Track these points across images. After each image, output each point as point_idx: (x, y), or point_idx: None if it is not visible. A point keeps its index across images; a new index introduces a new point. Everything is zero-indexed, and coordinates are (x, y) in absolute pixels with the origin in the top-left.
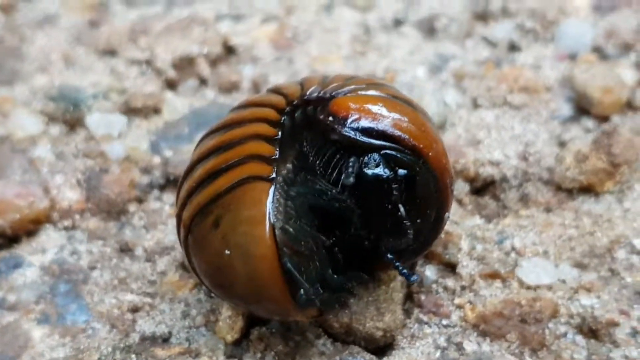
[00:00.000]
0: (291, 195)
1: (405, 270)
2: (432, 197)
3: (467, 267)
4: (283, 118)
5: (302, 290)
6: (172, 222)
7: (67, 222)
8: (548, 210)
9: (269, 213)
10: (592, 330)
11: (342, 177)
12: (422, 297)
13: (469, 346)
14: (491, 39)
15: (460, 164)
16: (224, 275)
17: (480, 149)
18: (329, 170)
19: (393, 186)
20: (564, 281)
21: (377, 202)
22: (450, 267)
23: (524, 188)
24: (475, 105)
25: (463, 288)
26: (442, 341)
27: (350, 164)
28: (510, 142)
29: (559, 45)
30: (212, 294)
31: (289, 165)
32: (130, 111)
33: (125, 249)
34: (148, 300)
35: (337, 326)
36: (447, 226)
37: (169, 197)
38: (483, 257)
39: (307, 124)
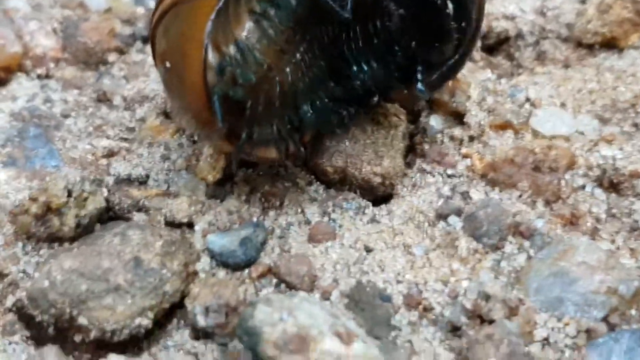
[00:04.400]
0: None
1: (422, 84)
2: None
3: (476, 116)
4: None
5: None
6: (155, 73)
7: (40, 71)
8: (567, 66)
9: (210, 24)
10: (612, 183)
11: None
12: (426, 146)
13: (476, 195)
14: None
15: None
16: (170, 89)
17: (494, 2)
18: None
19: None
20: (582, 133)
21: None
22: (458, 117)
23: (541, 45)
24: None
25: (471, 138)
26: (446, 190)
27: None
28: None
29: None
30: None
31: None
32: None
33: (103, 99)
34: (125, 145)
35: (330, 171)
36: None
37: None
38: (494, 109)
39: None
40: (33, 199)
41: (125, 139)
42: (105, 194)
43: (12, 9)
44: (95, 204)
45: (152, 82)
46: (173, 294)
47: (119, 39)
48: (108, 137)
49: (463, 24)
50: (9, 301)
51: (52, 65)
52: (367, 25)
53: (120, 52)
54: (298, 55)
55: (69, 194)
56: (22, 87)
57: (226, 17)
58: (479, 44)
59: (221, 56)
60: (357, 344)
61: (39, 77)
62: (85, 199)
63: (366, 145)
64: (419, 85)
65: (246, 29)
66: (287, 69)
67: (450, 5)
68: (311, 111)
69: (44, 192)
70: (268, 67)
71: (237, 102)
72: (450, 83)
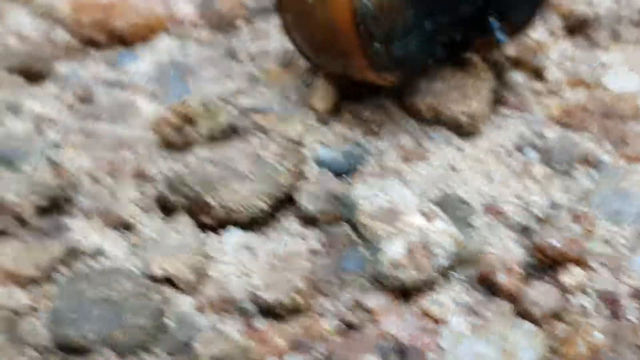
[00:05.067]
0: None
1: (499, 31)
2: None
3: (554, 74)
4: None
5: (375, 43)
6: (276, 36)
7: (180, 31)
8: (638, 43)
9: None
10: None
11: None
12: (508, 96)
13: (551, 134)
14: None
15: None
16: (307, 22)
17: None
18: None
19: None
20: None
21: None
22: (538, 74)
23: (616, 28)
24: None
25: (550, 92)
26: (524, 130)
27: None
28: None
29: None
30: (307, 58)
31: None
32: None
33: (232, 55)
34: (249, 86)
35: (423, 108)
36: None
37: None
38: (571, 70)
39: None
40: (173, 110)
41: (250, 83)
42: (235, 112)
43: None
44: (226, 117)
45: (274, 42)
46: (285, 185)
47: (246, 9)
48: (235, 82)
49: None
50: (149, 191)
51: (190, 27)
52: None
53: (248, 20)
54: None
55: (204, 107)
56: (164, 43)
57: None
58: (559, 22)
59: None
60: (439, 222)
61: (179, 36)
62: (218, 113)
63: (456, 89)
64: (498, 32)
65: None
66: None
67: None
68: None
69: (182, 105)
70: None
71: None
72: (531, 43)
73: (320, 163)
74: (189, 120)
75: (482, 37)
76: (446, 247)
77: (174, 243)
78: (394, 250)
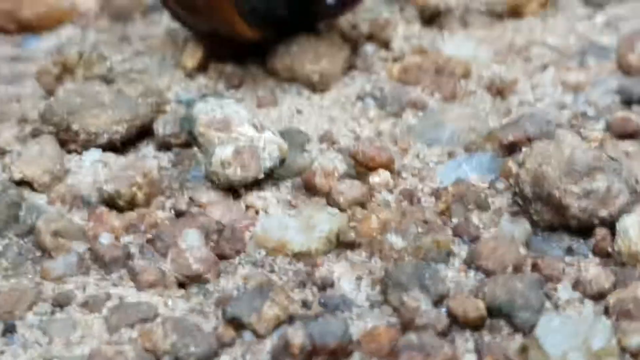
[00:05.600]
0: None
1: None
2: None
3: (400, 45)
4: None
5: None
6: (168, 23)
7: (83, 22)
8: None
9: None
10: (497, 90)
11: None
12: (359, 63)
13: (388, 87)
14: None
15: None
16: None
17: None
18: None
19: None
20: (478, 57)
21: None
22: (386, 45)
23: (465, 18)
24: None
25: (394, 59)
26: (368, 87)
27: None
28: None
29: None
30: (180, 20)
31: None
32: None
33: (125, 39)
34: (133, 56)
35: (280, 68)
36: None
37: None
38: (416, 43)
39: None
40: (54, 61)
41: (134, 55)
42: (110, 63)
43: None
44: (100, 69)
45: (163, 27)
46: (144, 115)
47: (143, 3)
48: (122, 55)
49: None
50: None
51: (92, 19)
52: None
53: (144, 13)
54: None
55: (81, 58)
56: (67, 31)
57: None
58: (416, 14)
59: None
60: (268, 133)
61: (81, 26)
62: (93, 64)
63: (311, 52)
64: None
65: None
66: None
67: None
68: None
69: (61, 56)
70: None
71: None
72: (383, 22)
73: (179, 102)
74: (68, 69)
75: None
76: (272, 153)
77: (36, 156)
78: (224, 152)
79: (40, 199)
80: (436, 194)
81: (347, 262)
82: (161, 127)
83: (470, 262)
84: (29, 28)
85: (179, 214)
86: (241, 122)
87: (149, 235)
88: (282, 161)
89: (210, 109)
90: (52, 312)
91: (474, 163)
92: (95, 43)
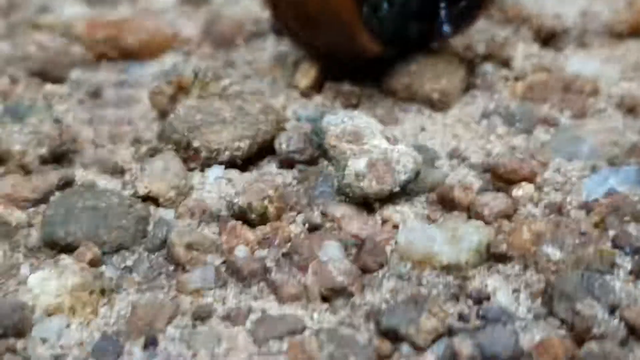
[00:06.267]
0: None
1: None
2: None
3: (521, 64)
4: None
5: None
6: (272, 49)
7: (185, 49)
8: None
9: None
10: (628, 108)
11: None
12: (478, 81)
13: (514, 105)
14: None
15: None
16: None
17: (547, 4)
18: None
19: None
20: (606, 74)
21: None
22: (506, 64)
23: (583, 39)
24: None
25: (516, 78)
26: (491, 105)
27: None
28: None
29: None
30: (296, 36)
31: None
32: None
33: (230, 65)
34: (243, 79)
35: (399, 88)
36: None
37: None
38: (536, 62)
39: None
40: (168, 81)
41: (244, 79)
42: (227, 82)
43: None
44: (216, 88)
45: (268, 53)
46: (266, 131)
47: (246, 31)
48: (230, 79)
49: None
50: (143, 148)
51: (194, 46)
52: None
53: (246, 40)
54: None
55: (196, 77)
56: (170, 58)
57: None
58: (531, 35)
59: None
60: (402, 146)
61: (184, 53)
62: (209, 84)
63: (430, 71)
64: (445, 27)
65: None
66: None
67: None
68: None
69: (176, 76)
70: None
71: None
72: (500, 40)
73: (298, 119)
74: (182, 89)
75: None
76: (407, 165)
77: (161, 172)
78: (358, 164)
79: (167, 214)
80: (586, 207)
81: (500, 275)
82: (284, 144)
83: (639, 273)
84: (132, 55)
85: (313, 228)
86: (373, 134)
87: (284, 250)
88: (417, 174)
89: (340, 121)
90: (194, 326)
91: (621, 176)
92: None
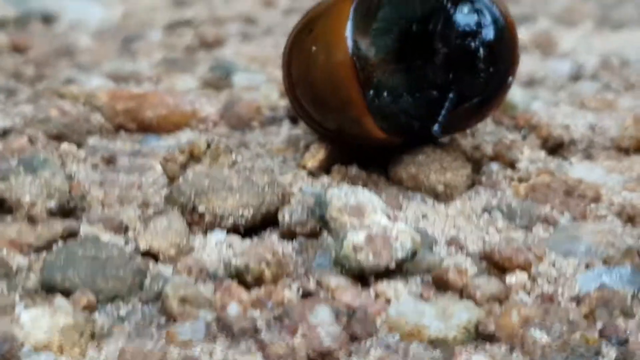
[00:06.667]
0: (379, 16)
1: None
2: (505, 53)
3: (526, 166)
4: None
5: (371, 90)
6: (286, 134)
7: (202, 127)
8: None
9: (351, 11)
10: (629, 217)
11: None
12: (483, 179)
13: (516, 203)
14: None
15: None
16: (309, 71)
17: (556, 116)
18: None
19: (482, 29)
20: (607, 182)
21: (462, 42)
22: (512, 165)
23: (589, 151)
24: None
25: (520, 179)
26: (494, 201)
27: None
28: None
29: None
30: (308, 116)
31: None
32: None
33: (244, 145)
34: (255, 157)
35: (405, 176)
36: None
37: (286, 124)
38: (542, 166)
39: None
40: (181, 149)
41: (256, 157)
42: (233, 157)
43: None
44: (227, 159)
45: (281, 136)
46: (270, 203)
47: (262, 115)
48: (243, 157)
49: (491, 69)
50: (151, 210)
51: (211, 125)
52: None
53: (262, 123)
54: (395, 63)
55: (208, 146)
56: (187, 134)
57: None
58: (538, 143)
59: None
60: (402, 224)
61: (200, 130)
62: (220, 155)
63: (436, 162)
64: (436, 126)
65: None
66: (388, 68)
67: (482, 51)
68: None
69: (189, 144)
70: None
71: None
72: (507, 141)
73: (303, 193)
74: (194, 157)
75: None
76: (405, 244)
77: (163, 230)
78: (357, 237)
79: (166, 270)
80: (577, 299)
81: (486, 354)
82: (287, 215)
83: None
84: (149, 128)
85: (306, 295)
86: (375, 211)
87: (276, 312)
88: (414, 254)
89: (343, 194)
90: None
91: (614, 276)
92: None
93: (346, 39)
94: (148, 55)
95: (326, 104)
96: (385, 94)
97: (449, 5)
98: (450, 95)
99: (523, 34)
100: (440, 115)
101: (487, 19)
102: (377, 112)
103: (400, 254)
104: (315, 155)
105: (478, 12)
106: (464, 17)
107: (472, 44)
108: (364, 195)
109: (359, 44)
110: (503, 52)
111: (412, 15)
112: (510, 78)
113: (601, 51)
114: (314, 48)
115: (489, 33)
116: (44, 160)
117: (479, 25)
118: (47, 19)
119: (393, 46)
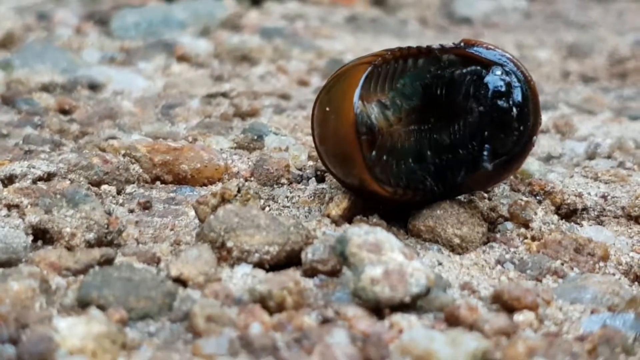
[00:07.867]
0: (398, 79)
1: (485, 158)
2: (531, 114)
3: (539, 226)
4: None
5: (372, 152)
6: (312, 191)
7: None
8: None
9: (362, 79)
10: (637, 276)
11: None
12: (497, 236)
13: (528, 257)
14: None
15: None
16: (324, 128)
17: (569, 185)
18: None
19: (512, 89)
20: (616, 244)
21: (495, 103)
22: (526, 225)
23: (601, 218)
24: None
25: (533, 238)
26: (507, 256)
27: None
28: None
29: None
30: (329, 170)
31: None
32: None
33: (273, 199)
34: (282, 208)
35: (423, 229)
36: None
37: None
38: (554, 227)
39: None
40: (213, 193)
41: (283, 208)
42: (261, 203)
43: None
44: (256, 203)
45: (308, 192)
46: (294, 242)
47: (291, 173)
48: (270, 207)
49: (521, 127)
50: (182, 247)
51: (242, 180)
52: (454, 118)
53: (290, 181)
54: (410, 125)
55: (239, 190)
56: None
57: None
58: (552, 208)
59: (364, 107)
60: (417, 262)
61: None
62: (249, 198)
63: (453, 216)
64: (485, 162)
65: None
66: (402, 130)
67: (515, 110)
68: (406, 171)
69: (221, 188)
70: (390, 124)
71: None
72: (522, 202)
73: (326, 235)
74: (225, 200)
75: (473, 173)
76: (420, 280)
77: (194, 259)
78: (374, 271)
79: (194, 294)
80: (581, 338)
81: None
82: (310, 254)
83: None
84: (184, 180)
85: (325, 321)
86: (392, 248)
87: (296, 335)
88: (428, 290)
89: (363, 232)
90: None
91: (617, 321)
92: None
93: (354, 104)
94: (186, 120)
95: (337, 161)
96: (389, 157)
97: (479, 68)
98: (485, 152)
99: (544, 119)
100: (483, 157)
101: (515, 81)
102: (380, 172)
103: (415, 289)
104: (340, 205)
105: (508, 74)
106: (497, 78)
107: (506, 104)
108: (382, 234)
109: (367, 108)
110: (529, 111)
111: (433, 80)
112: (534, 137)
113: (618, 136)
114: (327, 108)
115: (518, 94)
116: (85, 195)
117: (510, 86)
118: (93, 87)
119: (407, 110)
